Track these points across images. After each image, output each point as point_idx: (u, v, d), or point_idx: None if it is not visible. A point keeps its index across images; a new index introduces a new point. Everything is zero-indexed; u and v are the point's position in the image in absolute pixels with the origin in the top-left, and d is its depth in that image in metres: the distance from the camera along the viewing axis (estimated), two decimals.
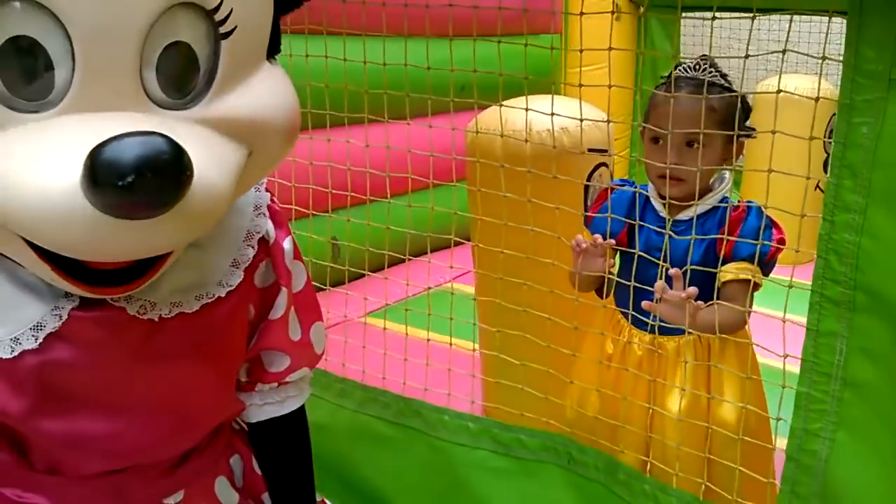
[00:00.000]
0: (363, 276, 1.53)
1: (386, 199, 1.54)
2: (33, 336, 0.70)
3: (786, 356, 0.96)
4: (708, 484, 1.06)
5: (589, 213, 1.35)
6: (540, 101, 1.28)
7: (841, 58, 0.84)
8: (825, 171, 2.76)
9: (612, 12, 1.24)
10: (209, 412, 0.84)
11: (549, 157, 1.31)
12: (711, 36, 1.19)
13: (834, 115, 2.56)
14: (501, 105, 1.30)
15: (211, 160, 0.59)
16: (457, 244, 1.41)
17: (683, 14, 2.81)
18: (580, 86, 1.20)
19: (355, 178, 1.50)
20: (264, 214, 0.82)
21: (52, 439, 0.75)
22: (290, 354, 0.87)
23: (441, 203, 1.46)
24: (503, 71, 1.23)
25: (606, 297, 1.33)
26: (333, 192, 1.51)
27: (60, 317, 0.70)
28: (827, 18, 0.92)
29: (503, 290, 1.31)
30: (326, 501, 0.98)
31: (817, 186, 2.68)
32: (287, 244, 0.84)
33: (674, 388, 1.21)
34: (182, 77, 0.62)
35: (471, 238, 1.53)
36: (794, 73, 2.55)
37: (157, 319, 0.72)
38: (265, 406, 0.90)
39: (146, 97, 0.59)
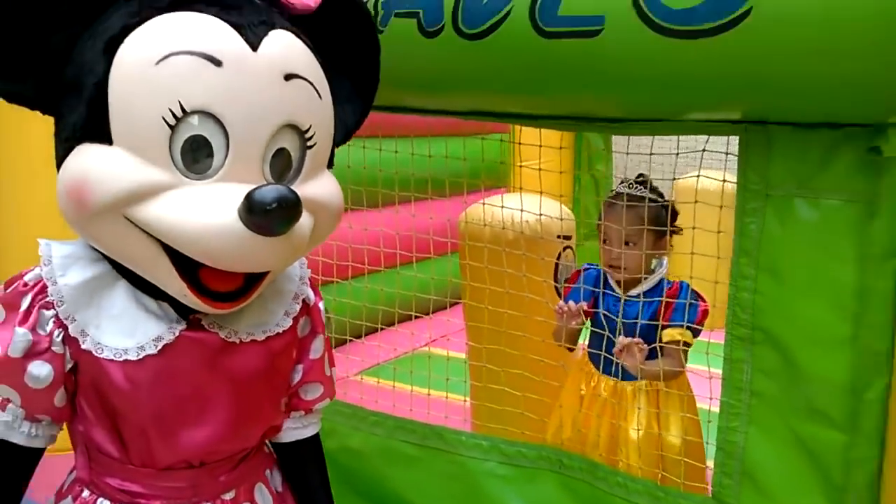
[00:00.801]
0: (347, 342, 1.96)
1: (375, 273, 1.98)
2: (154, 345, 0.95)
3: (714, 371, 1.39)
4: (664, 473, 1.47)
5: (565, 288, 1.78)
6: (516, 199, 1.74)
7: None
8: None
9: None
10: (263, 419, 1.10)
11: (533, 242, 1.76)
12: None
13: None
14: (513, 203, 1.74)
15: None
16: (435, 311, 1.86)
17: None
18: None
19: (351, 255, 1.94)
20: (307, 283, 1.13)
21: (151, 432, 0.98)
22: (324, 385, 1.17)
23: (417, 280, 1.91)
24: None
25: (573, 351, 1.77)
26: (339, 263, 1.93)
27: (174, 333, 0.96)
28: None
29: (492, 342, 1.73)
30: None
31: None
32: (321, 305, 1.15)
33: (632, 423, 1.63)
34: (283, 170, 0.94)
35: (462, 301, 1.94)
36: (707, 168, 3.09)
37: (238, 342, 1.00)
38: (295, 430, 1.17)
39: (263, 178, 0.91)
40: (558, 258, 1.88)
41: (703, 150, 1.36)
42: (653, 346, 1.55)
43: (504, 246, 1.72)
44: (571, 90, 1.28)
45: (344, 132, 1.10)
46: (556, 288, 1.83)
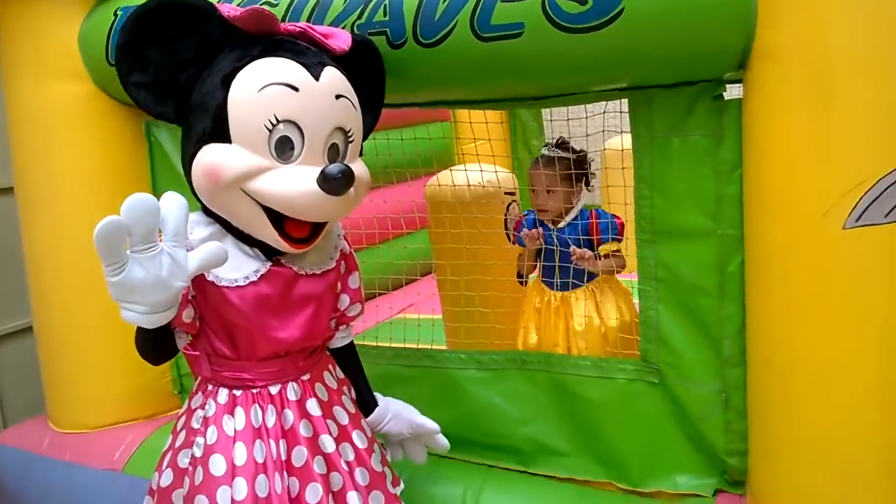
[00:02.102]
0: None
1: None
2: (255, 275, 1.43)
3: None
4: (607, 350, 1.99)
5: (515, 227, 2.29)
6: (472, 167, 2.24)
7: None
8: None
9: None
10: (322, 329, 1.57)
11: (489, 197, 2.26)
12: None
13: None
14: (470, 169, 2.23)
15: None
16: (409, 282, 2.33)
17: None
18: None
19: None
20: (343, 237, 1.65)
21: (255, 334, 1.45)
22: (361, 304, 1.69)
23: (400, 251, 2.39)
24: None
25: (527, 285, 2.28)
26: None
27: (266, 267, 1.44)
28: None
29: (456, 274, 2.23)
30: None
31: None
32: (353, 253, 1.67)
33: (578, 316, 2.15)
34: (334, 157, 1.42)
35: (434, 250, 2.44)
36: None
37: (304, 274, 1.49)
38: (343, 338, 1.70)
39: (324, 162, 1.38)
40: (507, 212, 2.38)
41: (604, 113, 1.87)
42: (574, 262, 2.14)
43: (465, 205, 2.23)
44: (504, 79, 1.75)
45: (364, 132, 1.61)
46: (507, 234, 2.34)
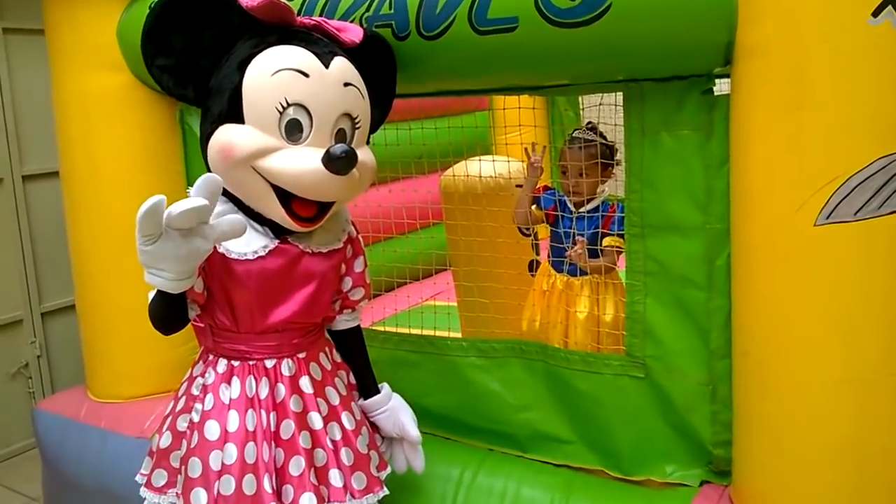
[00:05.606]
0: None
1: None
2: (263, 250, 1.49)
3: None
4: (594, 344, 2.01)
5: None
6: (486, 159, 2.29)
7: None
8: None
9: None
10: (323, 306, 1.63)
11: (502, 189, 2.31)
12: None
13: None
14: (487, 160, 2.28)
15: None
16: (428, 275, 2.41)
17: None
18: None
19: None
20: (350, 223, 1.70)
21: (255, 307, 1.51)
22: (365, 289, 1.74)
23: (421, 243, 2.46)
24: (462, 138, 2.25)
25: (535, 272, 2.32)
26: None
27: (274, 244, 1.51)
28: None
29: (468, 264, 2.28)
30: None
31: None
32: (360, 238, 1.73)
33: (580, 306, 2.19)
34: (341, 141, 1.47)
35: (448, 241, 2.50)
36: None
37: (310, 252, 1.55)
38: (346, 322, 1.75)
39: (331, 144, 1.42)
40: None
41: None
42: (595, 248, 2.17)
43: (477, 196, 2.29)
44: (502, 70, 1.80)
45: (372, 126, 1.68)
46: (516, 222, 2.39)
